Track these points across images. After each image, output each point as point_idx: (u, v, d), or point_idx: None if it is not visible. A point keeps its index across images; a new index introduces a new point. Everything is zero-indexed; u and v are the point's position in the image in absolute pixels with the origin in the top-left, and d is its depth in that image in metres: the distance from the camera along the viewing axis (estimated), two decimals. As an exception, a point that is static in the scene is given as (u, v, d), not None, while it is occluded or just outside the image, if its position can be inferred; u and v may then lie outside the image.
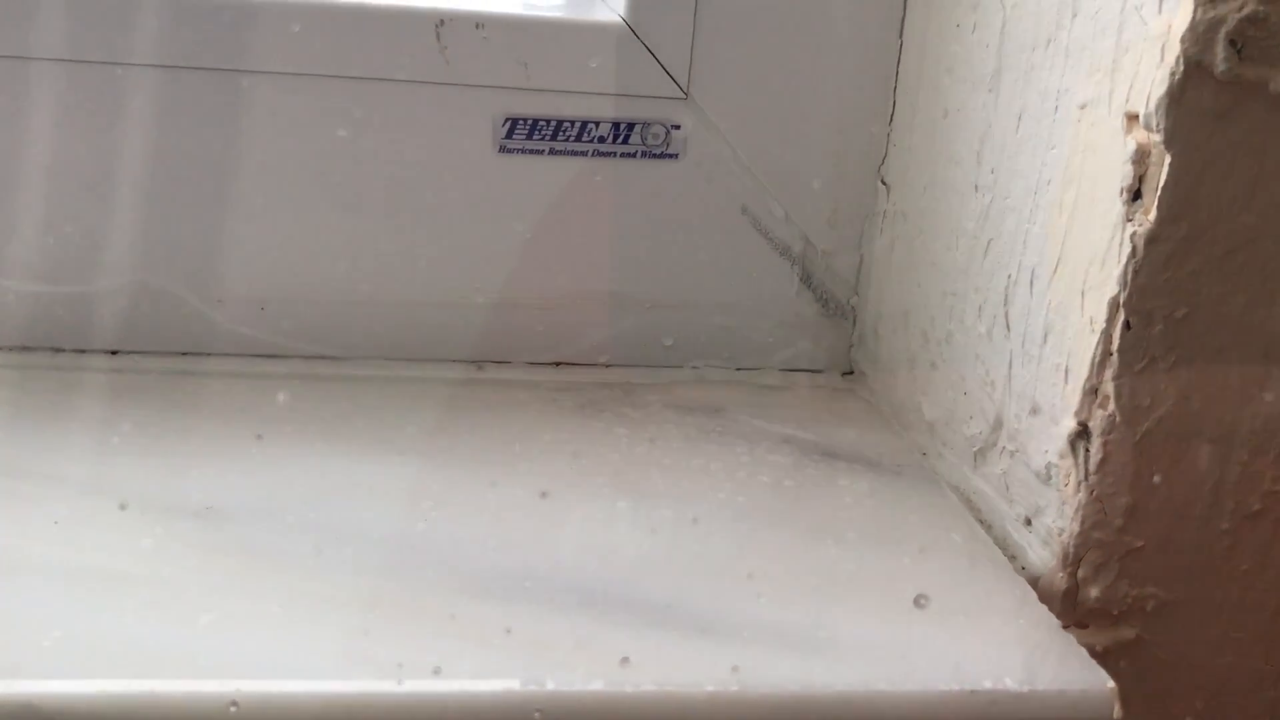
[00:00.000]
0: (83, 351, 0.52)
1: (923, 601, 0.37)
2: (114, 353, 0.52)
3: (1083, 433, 0.41)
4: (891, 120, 0.54)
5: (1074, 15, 0.42)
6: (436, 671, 0.31)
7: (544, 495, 0.43)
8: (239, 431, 0.46)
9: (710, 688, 0.33)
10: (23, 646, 0.32)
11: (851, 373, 0.57)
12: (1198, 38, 0.37)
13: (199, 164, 0.50)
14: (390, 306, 0.53)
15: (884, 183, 0.54)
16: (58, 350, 0.51)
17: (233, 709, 0.29)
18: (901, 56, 0.53)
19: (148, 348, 0.52)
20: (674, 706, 0.32)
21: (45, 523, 0.39)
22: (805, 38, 0.52)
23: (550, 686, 0.30)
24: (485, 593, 0.36)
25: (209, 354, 0.52)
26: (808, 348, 0.57)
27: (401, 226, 0.52)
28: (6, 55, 0.48)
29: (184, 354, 0.52)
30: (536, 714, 0.30)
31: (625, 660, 0.32)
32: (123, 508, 0.40)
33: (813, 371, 0.57)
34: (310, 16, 0.49)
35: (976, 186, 0.47)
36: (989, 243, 0.47)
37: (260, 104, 0.49)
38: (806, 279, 0.56)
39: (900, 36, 0.52)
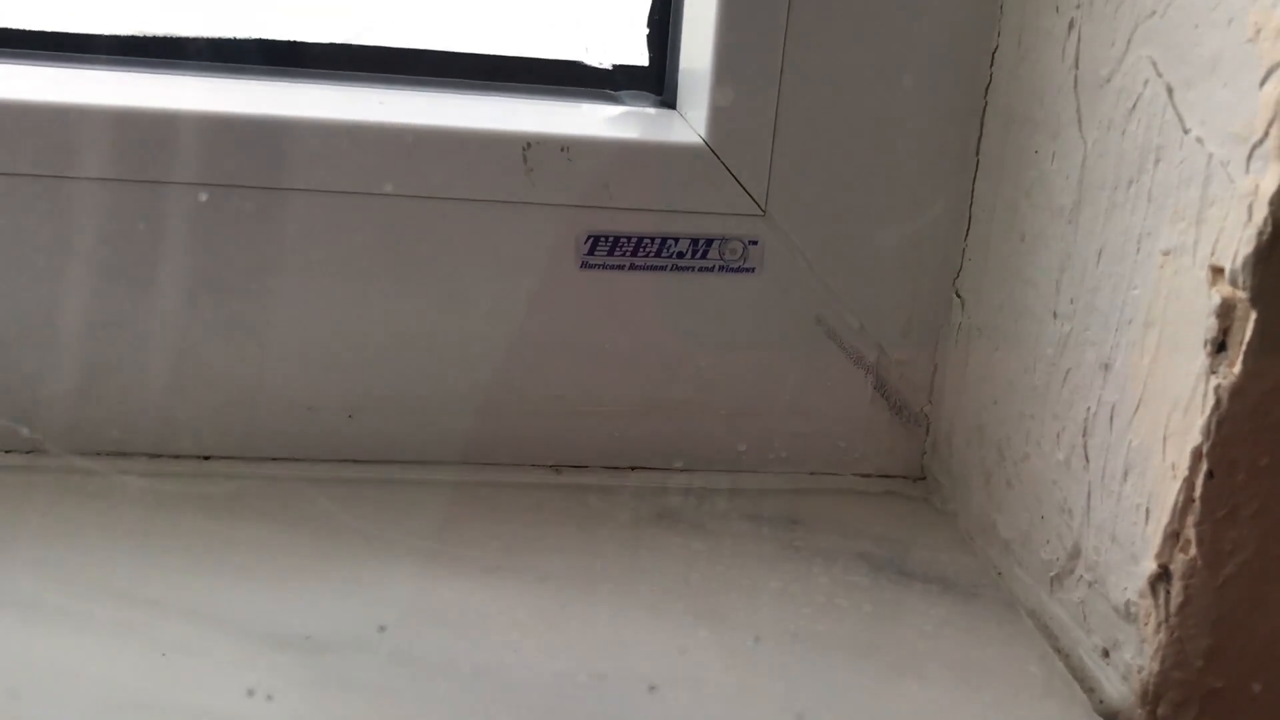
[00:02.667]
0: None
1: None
2: (206, 458, 0.54)
3: (1164, 575, 0.42)
4: (967, 236, 0.54)
5: (1156, 161, 0.42)
6: None
7: (621, 624, 0.44)
8: (316, 546, 0.47)
9: None
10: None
11: (924, 479, 0.58)
12: (1285, 200, 0.37)
13: (296, 278, 0.52)
14: (475, 414, 0.54)
15: (959, 296, 0.55)
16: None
17: None
18: (978, 175, 0.53)
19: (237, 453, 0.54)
20: None
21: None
22: (881, 154, 0.53)
23: None
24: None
25: (297, 459, 0.54)
26: (880, 453, 0.57)
27: (489, 339, 0.53)
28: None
29: (274, 460, 0.54)
30: None
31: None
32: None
33: (886, 477, 0.58)
34: (414, 137, 0.50)
35: (1055, 314, 0.48)
36: (1068, 372, 0.47)
37: (366, 222, 0.51)
38: (880, 387, 0.56)
39: (977, 155, 0.53)
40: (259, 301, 0.52)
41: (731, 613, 0.46)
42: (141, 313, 0.51)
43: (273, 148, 0.50)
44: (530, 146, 0.51)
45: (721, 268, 0.54)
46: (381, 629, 0.43)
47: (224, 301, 0.52)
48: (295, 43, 0.54)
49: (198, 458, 0.54)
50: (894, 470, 0.58)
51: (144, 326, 0.51)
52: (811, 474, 0.57)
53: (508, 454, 0.55)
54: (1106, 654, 0.44)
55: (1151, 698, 0.42)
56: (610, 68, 0.55)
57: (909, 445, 0.57)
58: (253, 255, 0.51)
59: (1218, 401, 0.39)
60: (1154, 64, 0.42)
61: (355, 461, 0.54)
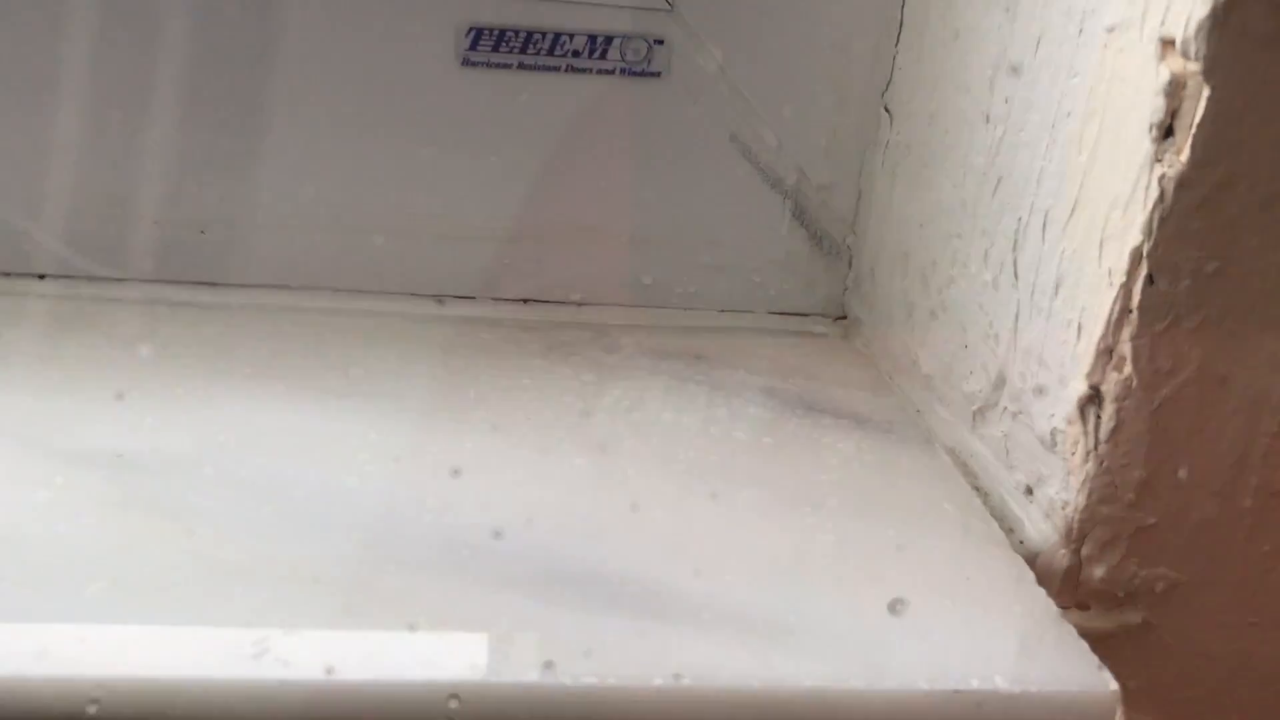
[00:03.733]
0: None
1: (883, 592, 0.32)
2: (41, 277, 0.48)
3: (1094, 397, 0.37)
4: (898, 41, 0.48)
5: (1106, -77, 0.37)
6: (329, 671, 0.27)
7: (491, 450, 0.39)
8: (158, 369, 0.42)
9: (658, 682, 0.29)
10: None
11: (845, 318, 0.53)
12: (1249, -50, 0.32)
13: (135, 75, 0.46)
14: (341, 233, 0.48)
15: (887, 110, 0.49)
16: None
17: (92, 708, 0.25)
18: (911, -31, 0.48)
19: (74, 272, 0.48)
20: (613, 704, 0.28)
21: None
22: (805, -54, 0.47)
23: (465, 680, 0.26)
24: (405, 565, 0.32)
25: (143, 280, 0.48)
26: (798, 289, 0.52)
27: (353, 146, 0.47)
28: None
29: (117, 280, 0.48)
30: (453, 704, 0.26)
31: (549, 663, 0.28)
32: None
33: (803, 315, 0.52)
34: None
35: (988, 117, 0.42)
36: (999, 181, 0.42)
37: (218, 18, 0.45)
38: (799, 214, 0.51)
39: (910, -53, 0.47)
40: (94, 116, 0.46)
41: (615, 443, 0.41)
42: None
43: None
44: (401, -81, 0.44)
45: (623, 70, 0.48)
46: (208, 448, 0.37)
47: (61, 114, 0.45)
48: None
49: (34, 276, 0.48)
50: (813, 308, 0.53)
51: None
52: (723, 311, 0.52)
53: (384, 282, 0.49)
54: (1029, 491, 0.40)
55: (1075, 536, 0.38)
56: None
57: (830, 280, 0.52)
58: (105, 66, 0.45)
59: (1161, 194, 0.34)
60: None
61: (209, 284, 0.48)
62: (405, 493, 0.36)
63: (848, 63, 0.49)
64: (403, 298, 0.50)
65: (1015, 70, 0.41)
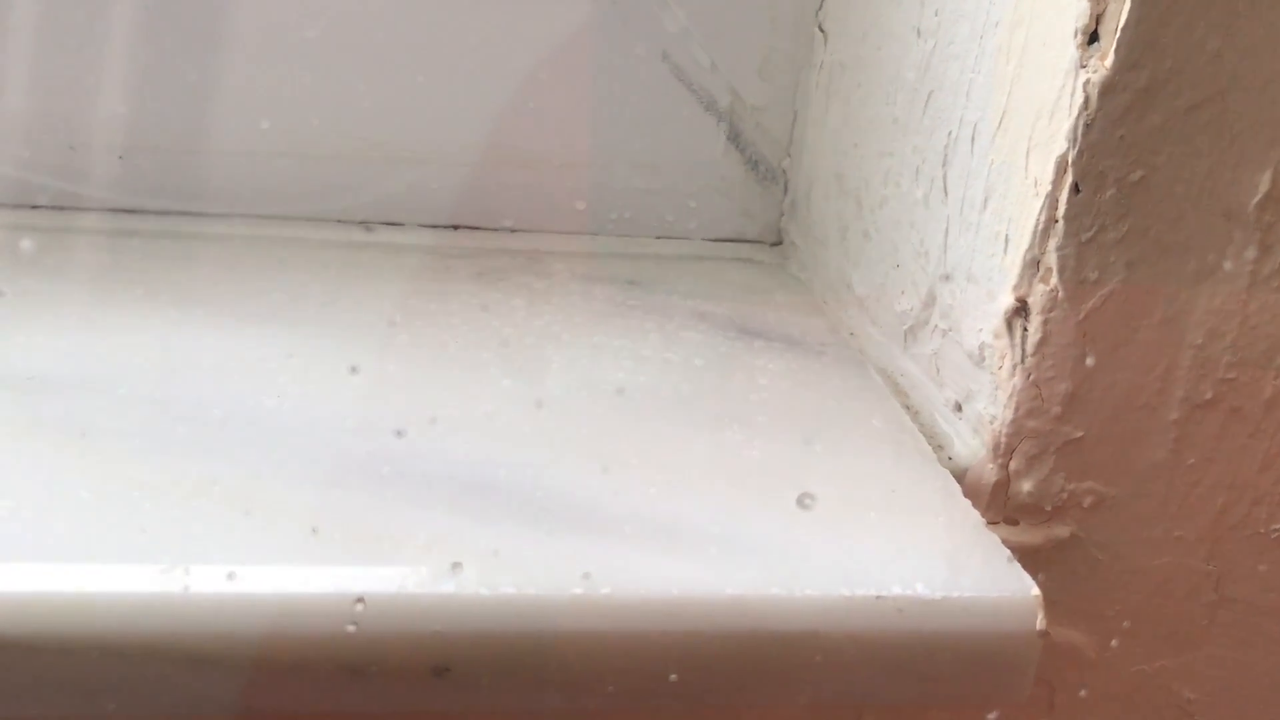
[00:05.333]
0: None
1: (807, 502, 0.32)
2: (-47, 204, 0.46)
3: (1021, 310, 0.37)
4: (831, -42, 0.48)
5: None
6: (231, 577, 0.26)
7: (416, 373, 0.38)
8: (78, 293, 0.41)
9: (577, 590, 0.28)
10: None
11: (781, 243, 0.52)
12: None
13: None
14: (261, 157, 0.47)
15: (822, 29, 0.49)
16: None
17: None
18: (843, -117, 0.47)
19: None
20: (526, 611, 0.27)
21: None
22: None
23: (370, 590, 0.26)
24: (321, 481, 0.31)
25: (59, 208, 0.47)
26: (734, 215, 0.52)
27: (268, 62, 0.46)
28: None
29: (33, 207, 0.47)
30: (351, 627, 0.26)
31: (458, 564, 0.28)
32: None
33: (738, 241, 0.52)
34: None
35: (919, 31, 0.42)
36: (929, 95, 0.41)
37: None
38: (734, 137, 0.50)
39: None
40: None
41: (543, 367, 0.40)
42: None
43: None
44: None
45: (551, -10, 0.47)
46: (124, 370, 0.36)
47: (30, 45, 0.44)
48: None
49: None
50: (749, 234, 0.52)
51: None
52: (658, 238, 0.51)
53: (308, 207, 0.48)
54: (959, 407, 0.40)
55: (1003, 450, 0.38)
56: None
57: (765, 205, 0.52)
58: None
59: (1086, 100, 0.34)
60: None
61: (126, 211, 0.47)
62: (320, 409, 0.35)
63: (781, -20, 0.48)
64: (329, 224, 0.49)
65: (945, -18, 0.40)
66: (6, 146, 0.46)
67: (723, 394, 0.39)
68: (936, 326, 0.41)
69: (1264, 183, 0.36)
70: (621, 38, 0.48)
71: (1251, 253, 0.36)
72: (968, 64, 0.39)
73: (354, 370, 0.37)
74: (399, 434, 0.33)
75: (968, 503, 0.35)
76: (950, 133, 0.40)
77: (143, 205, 0.47)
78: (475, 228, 0.50)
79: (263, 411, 0.35)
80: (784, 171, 0.51)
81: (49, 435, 0.33)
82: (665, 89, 0.49)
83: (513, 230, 0.50)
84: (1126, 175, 0.35)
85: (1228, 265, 0.36)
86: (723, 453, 0.35)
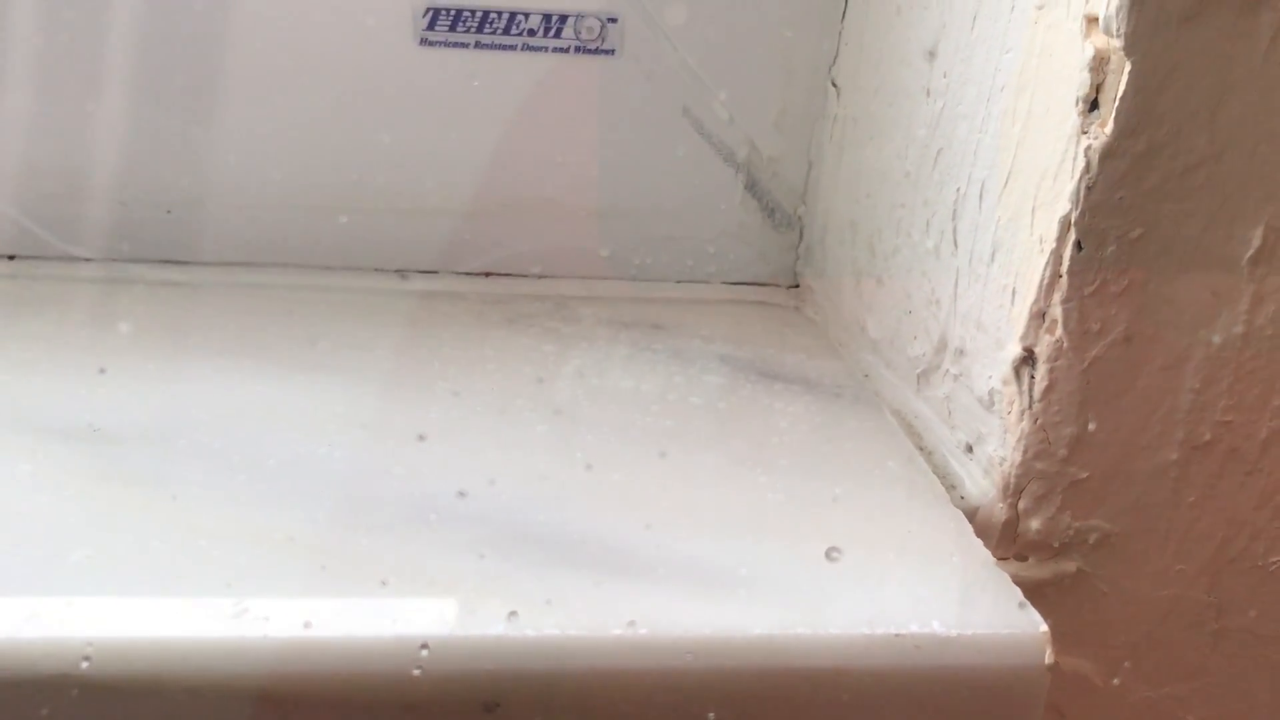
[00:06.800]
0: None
1: (834, 555, 0.34)
2: (11, 258, 0.49)
3: (1028, 358, 0.39)
4: (844, 17, 0.50)
5: (1035, -95, 0.38)
6: (307, 625, 0.28)
7: (456, 418, 0.41)
8: (129, 345, 0.43)
9: (616, 631, 0.31)
10: None
11: (797, 286, 0.54)
12: (1165, -67, 0.34)
13: (88, 55, 0.46)
14: (306, 212, 0.50)
15: (834, 85, 0.51)
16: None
17: (84, 665, 0.27)
18: (855, -53, 0.49)
19: (45, 253, 0.49)
20: (571, 652, 0.30)
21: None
22: (752, -75, 0.48)
23: (432, 634, 0.28)
24: (377, 528, 0.34)
25: (114, 259, 0.49)
26: (752, 259, 0.54)
27: (317, 126, 0.48)
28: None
29: (86, 260, 0.49)
30: (417, 671, 0.28)
31: (513, 613, 0.30)
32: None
33: (756, 285, 0.54)
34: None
35: (929, 91, 0.44)
36: (939, 152, 0.44)
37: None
38: (751, 186, 0.53)
39: (854, -75, 0.49)
40: (62, 93, 0.46)
41: (575, 409, 0.42)
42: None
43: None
44: (357, -97, 0.45)
45: (578, 48, 0.49)
46: (182, 422, 0.39)
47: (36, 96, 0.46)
48: None
49: (4, 257, 0.49)
50: (766, 277, 0.54)
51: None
52: (679, 282, 0.54)
53: (347, 257, 0.51)
54: (970, 449, 0.42)
55: (1013, 490, 0.40)
56: None
57: (782, 250, 0.54)
58: (59, 41, 0.46)
59: (1087, 165, 0.36)
60: None
61: (174, 262, 0.49)
62: (372, 459, 0.38)
63: (795, 39, 0.50)
64: (367, 273, 0.51)
65: (954, 46, 0.43)
66: (56, 201, 0.48)
67: (747, 438, 0.42)
68: (948, 371, 0.43)
69: (1256, 238, 0.38)
70: (644, 94, 0.50)
71: (1245, 303, 0.38)
72: (975, 125, 0.41)
73: (419, 435, 0.39)
74: (461, 494, 0.35)
75: (979, 542, 0.37)
76: (959, 189, 0.42)
77: (188, 257, 0.50)
78: (504, 274, 0.52)
79: (315, 460, 0.38)
80: (799, 218, 0.53)
81: (116, 486, 0.35)
82: (686, 142, 0.51)
83: (540, 276, 0.52)
84: (1126, 233, 0.37)
85: (1224, 315, 0.39)
86: (750, 498, 0.38)
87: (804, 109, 0.51)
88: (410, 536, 0.34)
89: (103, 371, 0.40)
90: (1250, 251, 0.38)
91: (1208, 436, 0.40)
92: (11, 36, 0.46)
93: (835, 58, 0.51)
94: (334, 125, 0.49)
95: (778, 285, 0.54)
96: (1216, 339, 0.39)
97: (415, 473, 0.37)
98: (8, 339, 0.43)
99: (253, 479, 0.36)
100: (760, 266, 0.54)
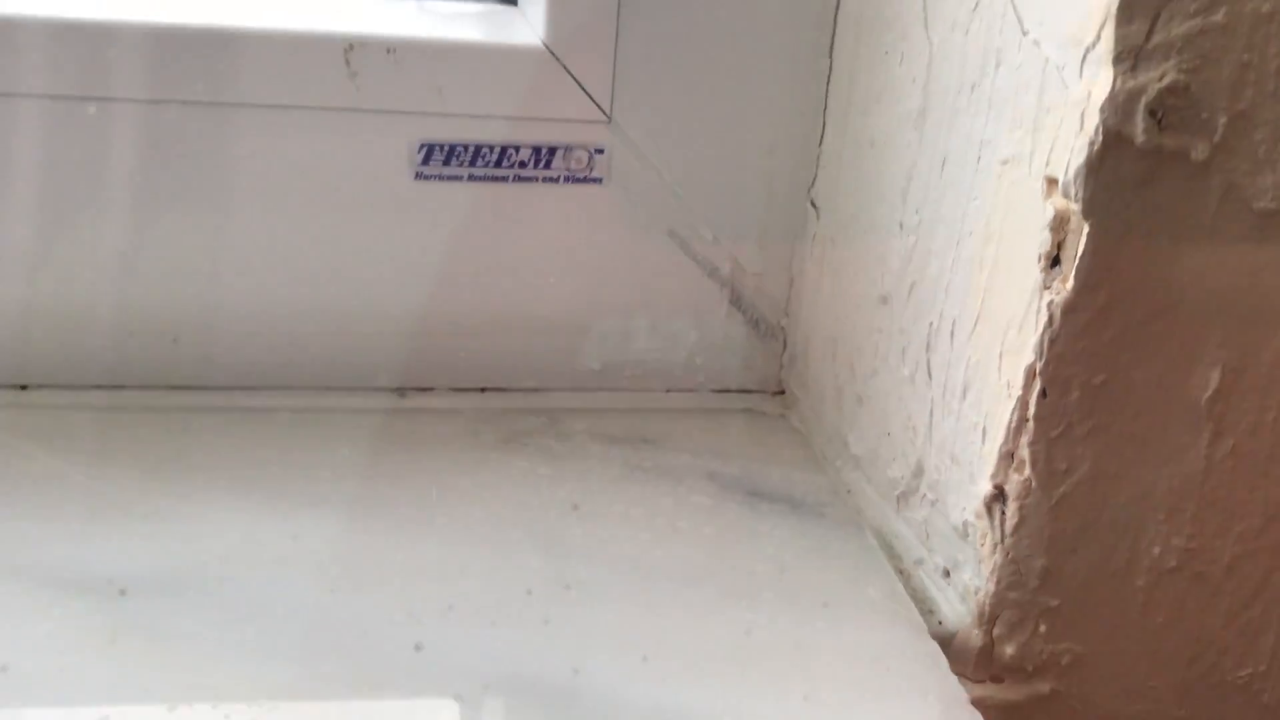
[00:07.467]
0: None
1: (811, 696, 0.36)
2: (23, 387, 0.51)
3: (999, 495, 0.41)
4: (821, 143, 0.52)
5: (997, 65, 0.40)
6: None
7: (452, 557, 0.43)
8: (139, 481, 0.45)
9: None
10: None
11: (783, 393, 0.56)
12: (1117, 108, 0.36)
13: (101, 190, 0.48)
14: (306, 335, 0.51)
15: (814, 205, 0.53)
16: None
17: None
18: (831, 79, 0.51)
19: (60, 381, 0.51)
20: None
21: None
22: (731, 58, 0.50)
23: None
24: (380, 684, 0.35)
25: (121, 387, 0.51)
26: (737, 368, 0.56)
27: (318, 255, 0.50)
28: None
29: (96, 387, 0.51)
30: None
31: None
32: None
33: (743, 392, 0.56)
34: (215, 43, 0.46)
35: (902, 225, 0.46)
36: (913, 285, 0.45)
37: (175, 131, 0.48)
38: (736, 300, 0.54)
39: (830, 57, 0.51)
40: (73, 224, 0.48)
41: (567, 541, 0.44)
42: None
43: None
44: (352, 48, 0.47)
45: (567, 178, 0.51)
46: (190, 569, 0.40)
47: (41, 227, 0.48)
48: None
49: (15, 387, 0.51)
50: (752, 385, 0.56)
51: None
52: (668, 392, 0.55)
53: (345, 378, 0.53)
54: (947, 574, 0.44)
55: (988, 618, 0.42)
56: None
57: (767, 359, 0.56)
58: (60, 172, 0.48)
59: (1050, 318, 0.38)
60: (994, -39, 0.40)
61: (180, 388, 0.51)
62: (371, 605, 0.40)
63: (775, 163, 0.52)
64: (369, 392, 0.53)
65: (924, 185, 0.45)
66: (63, 331, 0.50)
67: (732, 567, 0.43)
68: (925, 496, 0.45)
69: (1214, 379, 0.40)
70: (631, 218, 0.52)
71: (1206, 439, 0.40)
72: (946, 264, 0.43)
73: (402, 547, 0.41)
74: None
75: (954, 679, 0.39)
76: (931, 323, 0.44)
77: (193, 383, 0.51)
78: (501, 389, 0.54)
79: (319, 610, 0.39)
80: (783, 329, 0.55)
81: (131, 642, 0.37)
82: (672, 260, 0.53)
83: (534, 390, 0.54)
84: (1090, 379, 0.39)
85: (1185, 451, 0.40)
86: (733, 636, 0.40)
87: (785, 228, 0.53)
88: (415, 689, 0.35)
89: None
90: (1209, 392, 0.40)
91: (1173, 563, 0.42)
92: (15, 173, 0.48)
93: (814, 180, 0.53)
94: (334, 253, 0.50)
95: (764, 392, 0.56)
96: (1179, 473, 0.41)
97: (413, 619, 0.39)
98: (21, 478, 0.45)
99: (262, 631, 0.38)
100: (746, 375, 0.56)
